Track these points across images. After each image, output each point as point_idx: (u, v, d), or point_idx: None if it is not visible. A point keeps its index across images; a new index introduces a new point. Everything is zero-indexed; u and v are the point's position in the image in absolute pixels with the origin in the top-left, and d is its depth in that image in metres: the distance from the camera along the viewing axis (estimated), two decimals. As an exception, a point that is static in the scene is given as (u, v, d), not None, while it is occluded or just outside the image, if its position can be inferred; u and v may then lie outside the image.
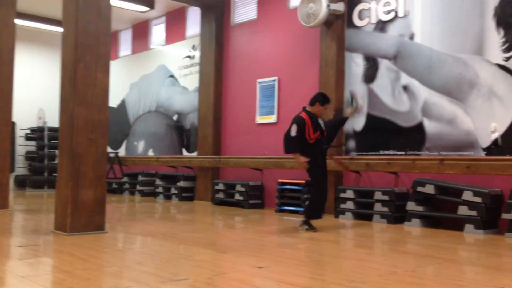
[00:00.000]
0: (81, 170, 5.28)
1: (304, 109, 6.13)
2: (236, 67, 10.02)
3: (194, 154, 10.64)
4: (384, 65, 7.49)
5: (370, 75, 7.66)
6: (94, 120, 5.39)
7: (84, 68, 5.35)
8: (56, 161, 12.39)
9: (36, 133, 13.30)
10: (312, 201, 6.11)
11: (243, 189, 8.98)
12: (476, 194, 6.00)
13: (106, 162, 5.59)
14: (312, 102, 6.10)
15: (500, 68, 6.27)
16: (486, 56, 6.40)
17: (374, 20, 7.67)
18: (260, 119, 9.42)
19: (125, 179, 12.00)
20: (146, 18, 12.30)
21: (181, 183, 10.44)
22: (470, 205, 6.02)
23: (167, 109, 11.59)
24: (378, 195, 6.99)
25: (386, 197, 6.89)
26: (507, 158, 5.98)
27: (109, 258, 4.24)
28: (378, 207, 6.98)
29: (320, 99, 6.10)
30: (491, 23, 6.38)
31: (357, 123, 7.75)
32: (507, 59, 6.21)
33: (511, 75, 6.17)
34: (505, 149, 6.13)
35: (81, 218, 5.27)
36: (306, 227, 5.97)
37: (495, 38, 6.33)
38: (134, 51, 12.94)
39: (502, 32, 6.28)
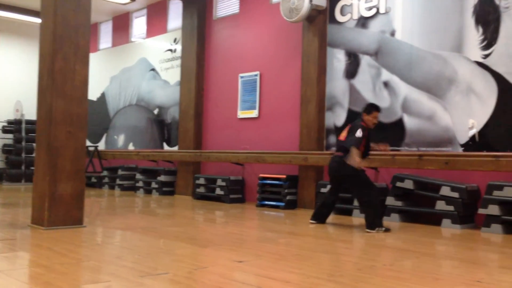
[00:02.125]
0: (59, 164, 5.20)
1: (361, 119, 5.95)
2: (218, 61, 9.98)
3: (175, 148, 10.58)
4: (365, 61, 7.53)
5: (351, 71, 7.70)
6: (73, 113, 5.31)
7: (63, 60, 5.26)
8: (33, 155, 12.20)
9: (13, 126, 13.07)
10: (371, 207, 5.76)
11: (224, 183, 8.96)
12: (453, 189, 6.09)
13: (85, 155, 5.52)
14: (361, 113, 6.01)
15: (478, 65, 6.35)
16: (465, 54, 6.49)
17: (356, 16, 7.70)
18: (241, 114, 9.40)
19: (105, 173, 11.88)
20: (127, 10, 12.16)
21: (162, 178, 10.37)
22: (448, 200, 6.11)
23: (148, 103, 11.49)
24: (358, 190, 7.04)
25: (365, 192, 6.94)
26: (484, 154, 6.08)
27: (87, 253, 4.19)
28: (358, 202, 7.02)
29: (365, 109, 5.98)
30: (470, 20, 6.46)
31: (338, 118, 7.79)
32: (486, 56, 6.30)
33: (489, 72, 6.26)
34: (482, 145, 6.23)
35: (59, 212, 5.20)
36: (383, 229, 5.63)
37: (474, 35, 6.41)
38: (114, 44, 12.79)
39: (481, 30, 6.36)
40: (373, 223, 5.66)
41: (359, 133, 5.68)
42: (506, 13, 6.14)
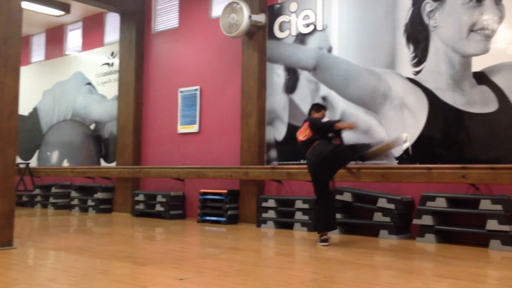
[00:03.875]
0: (-14, 182, 4.91)
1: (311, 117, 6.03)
2: (157, 76, 9.85)
3: (113, 164, 10.28)
4: (304, 76, 7.68)
5: (290, 86, 7.82)
6: (2, 128, 5.04)
7: (-9, 72, 5.00)
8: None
9: None
10: (323, 210, 5.74)
11: (164, 199, 8.79)
12: (389, 201, 6.29)
13: (15, 173, 5.24)
14: (309, 112, 6.13)
15: (410, 81, 6.64)
16: (398, 70, 6.76)
17: (294, 33, 7.86)
18: (181, 129, 9.30)
19: (37, 191, 11.33)
20: (61, 22, 11.78)
21: (99, 195, 10.03)
22: (384, 211, 6.30)
23: (84, 118, 11.13)
24: (299, 204, 7.12)
25: (306, 206, 7.03)
26: (417, 167, 6.32)
27: (17, 276, 3.95)
28: (299, 215, 7.10)
29: (314, 107, 6.12)
30: (402, 39, 6.76)
31: (278, 133, 7.87)
32: (417, 73, 6.59)
33: (420, 88, 6.55)
34: (416, 158, 6.49)
35: (-14, 234, 4.89)
36: (324, 243, 5.59)
37: (405, 53, 6.71)
38: (47, 57, 12.32)
39: (411, 48, 6.67)
40: (318, 227, 5.74)
41: (325, 119, 5.82)
42: (434, 32, 6.48)
